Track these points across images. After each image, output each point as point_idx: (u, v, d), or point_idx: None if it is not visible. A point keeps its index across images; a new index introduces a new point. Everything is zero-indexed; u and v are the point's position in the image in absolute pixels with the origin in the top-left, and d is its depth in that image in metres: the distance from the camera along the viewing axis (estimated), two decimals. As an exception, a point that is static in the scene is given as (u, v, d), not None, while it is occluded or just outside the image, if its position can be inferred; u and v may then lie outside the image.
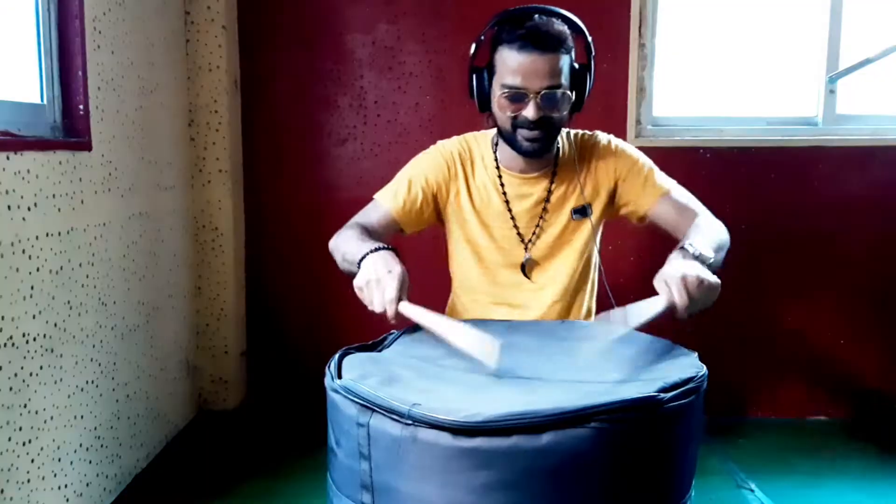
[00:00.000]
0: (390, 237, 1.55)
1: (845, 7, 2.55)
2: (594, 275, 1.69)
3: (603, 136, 1.65)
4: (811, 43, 2.62)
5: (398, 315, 1.25)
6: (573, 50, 1.48)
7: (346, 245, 1.44)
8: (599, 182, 1.60)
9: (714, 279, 1.24)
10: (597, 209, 1.61)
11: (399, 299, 1.24)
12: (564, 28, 1.46)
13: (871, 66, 2.45)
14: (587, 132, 1.66)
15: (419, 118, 2.61)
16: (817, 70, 2.61)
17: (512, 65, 1.43)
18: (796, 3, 2.64)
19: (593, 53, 1.51)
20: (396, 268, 1.27)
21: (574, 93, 1.49)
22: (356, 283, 1.29)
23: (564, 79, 1.45)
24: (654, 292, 1.23)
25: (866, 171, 2.57)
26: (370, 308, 1.27)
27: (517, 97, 1.45)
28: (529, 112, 1.44)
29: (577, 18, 1.50)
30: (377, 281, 1.26)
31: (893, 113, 2.65)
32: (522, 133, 1.48)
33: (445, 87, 2.59)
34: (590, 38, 1.51)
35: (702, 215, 1.53)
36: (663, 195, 1.58)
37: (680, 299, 1.19)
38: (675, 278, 1.21)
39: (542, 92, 1.42)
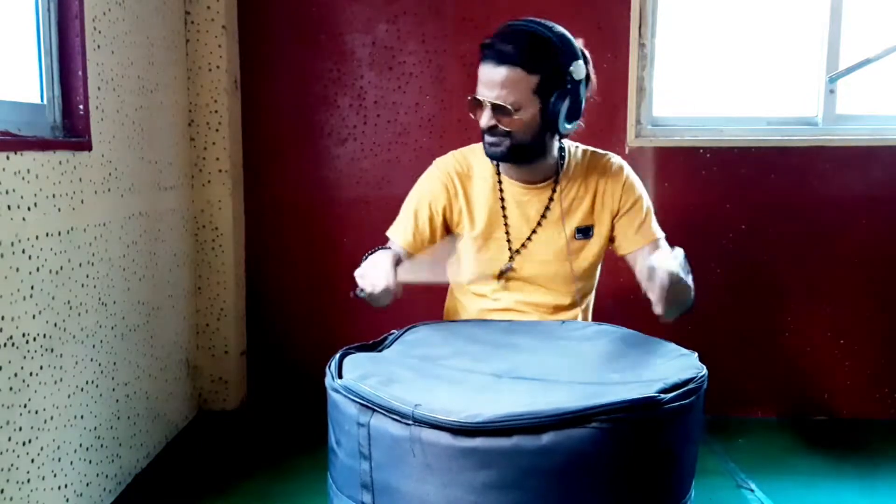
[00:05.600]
0: None
1: (845, 7, 2.54)
2: (593, 293, 1.70)
3: (616, 160, 1.63)
4: (811, 43, 2.62)
5: (398, 284, 1.31)
6: (549, 68, 1.42)
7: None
8: (605, 205, 1.60)
9: (687, 280, 1.26)
10: (601, 231, 1.61)
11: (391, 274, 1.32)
12: (530, 45, 1.41)
13: (871, 66, 2.44)
14: (599, 150, 1.65)
15: (419, 118, 2.61)
16: (817, 70, 2.61)
17: (479, 75, 1.47)
18: (796, 3, 2.64)
19: (581, 78, 1.45)
20: (386, 255, 1.39)
21: (538, 111, 1.44)
22: (356, 273, 1.37)
23: (515, 95, 1.42)
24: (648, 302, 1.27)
25: (866, 171, 2.57)
26: (374, 291, 1.30)
27: (476, 104, 1.48)
28: (483, 119, 1.47)
29: (575, 40, 1.46)
30: (373, 266, 1.35)
31: (893, 113, 2.64)
32: (485, 138, 1.51)
33: (445, 87, 2.59)
34: (583, 63, 1.46)
35: None
36: (651, 242, 1.59)
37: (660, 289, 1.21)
38: (657, 270, 1.23)
39: (492, 102, 1.44)
